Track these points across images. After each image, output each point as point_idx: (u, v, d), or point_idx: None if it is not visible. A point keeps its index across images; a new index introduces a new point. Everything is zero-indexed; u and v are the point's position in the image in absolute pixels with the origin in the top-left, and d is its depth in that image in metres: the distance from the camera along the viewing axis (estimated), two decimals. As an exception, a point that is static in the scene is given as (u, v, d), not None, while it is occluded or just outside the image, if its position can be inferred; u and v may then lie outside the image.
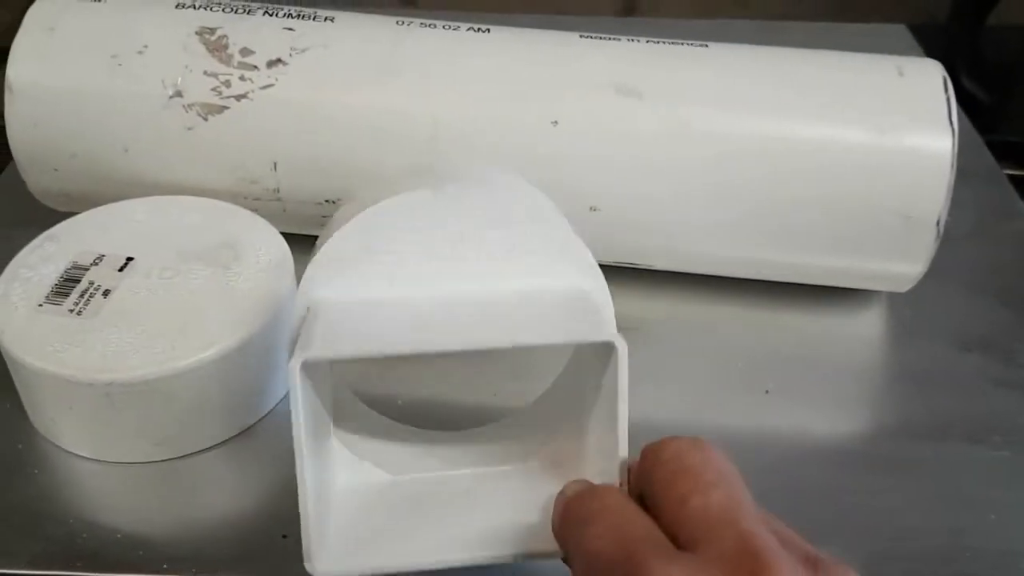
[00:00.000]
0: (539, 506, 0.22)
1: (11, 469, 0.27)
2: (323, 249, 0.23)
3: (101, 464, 0.27)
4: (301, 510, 0.21)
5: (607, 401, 0.21)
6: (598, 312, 0.22)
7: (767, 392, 0.29)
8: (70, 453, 0.27)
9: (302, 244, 0.30)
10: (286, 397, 0.29)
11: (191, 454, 0.27)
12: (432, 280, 0.23)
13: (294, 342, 0.23)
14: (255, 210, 0.31)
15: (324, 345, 0.21)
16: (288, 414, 0.28)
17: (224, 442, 0.27)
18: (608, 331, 0.21)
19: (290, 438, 0.28)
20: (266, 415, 0.28)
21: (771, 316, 0.32)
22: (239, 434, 0.28)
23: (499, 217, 0.22)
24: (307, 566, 0.21)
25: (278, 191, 0.31)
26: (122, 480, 0.26)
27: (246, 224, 0.30)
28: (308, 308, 0.22)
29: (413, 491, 0.24)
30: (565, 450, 0.23)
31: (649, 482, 0.19)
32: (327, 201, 0.31)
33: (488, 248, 0.22)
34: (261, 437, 0.28)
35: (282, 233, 0.30)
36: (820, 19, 0.48)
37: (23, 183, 0.33)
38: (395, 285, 0.22)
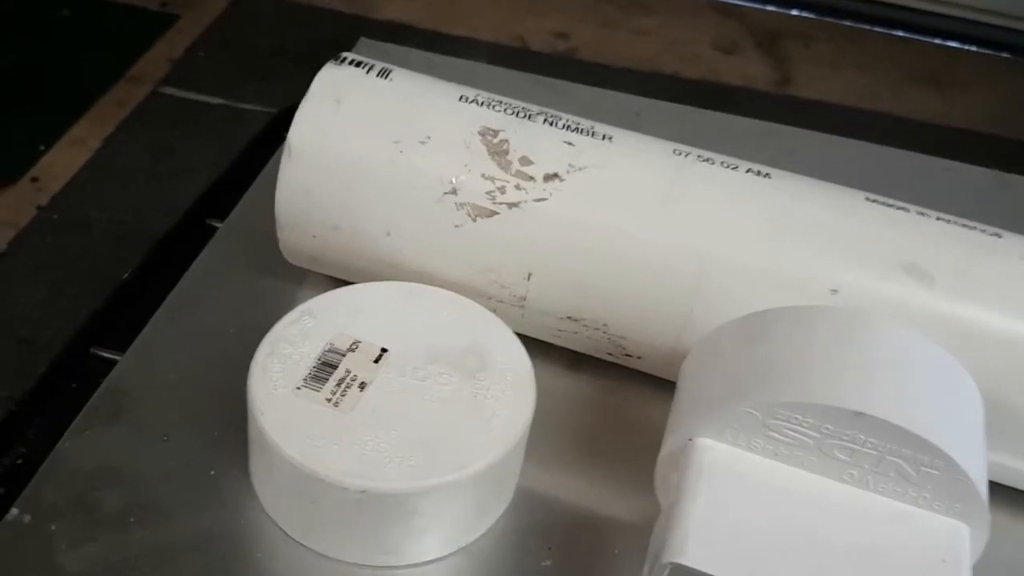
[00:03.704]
0: None
1: (233, 547, 0.27)
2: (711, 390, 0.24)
3: (325, 559, 0.26)
4: None
5: None
6: None
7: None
8: (295, 541, 0.27)
9: (529, 349, 0.30)
10: (500, 518, 0.28)
11: (414, 565, 0.26)
12: (815, 486, 0.23)
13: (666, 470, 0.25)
14: (493, 310, 0.30)
15: (702, 555, 0.21)
16: (503, 537, 0.28)
17: (446, 556, 0.27)
18: None
19: (506, 563, 0.27)
20: (482, 535, 0.28)
21: (1013, 524, 0.30)
22: (460, 550, 0.27)
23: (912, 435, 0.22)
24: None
25: (524, 299, 0.31)
26: (344, 580, 0.26)
27: (491, 330, 0.29)
28: (689, 440, 0.24)
29: None
30: None
31: None
32: (570, 318, 0.31)
33: (891, 465, 0.23)
34: (479, 558, 0.27)
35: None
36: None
37: (257, 222, 0.33)
38: (778, 475, 0.24)
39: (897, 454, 0.22)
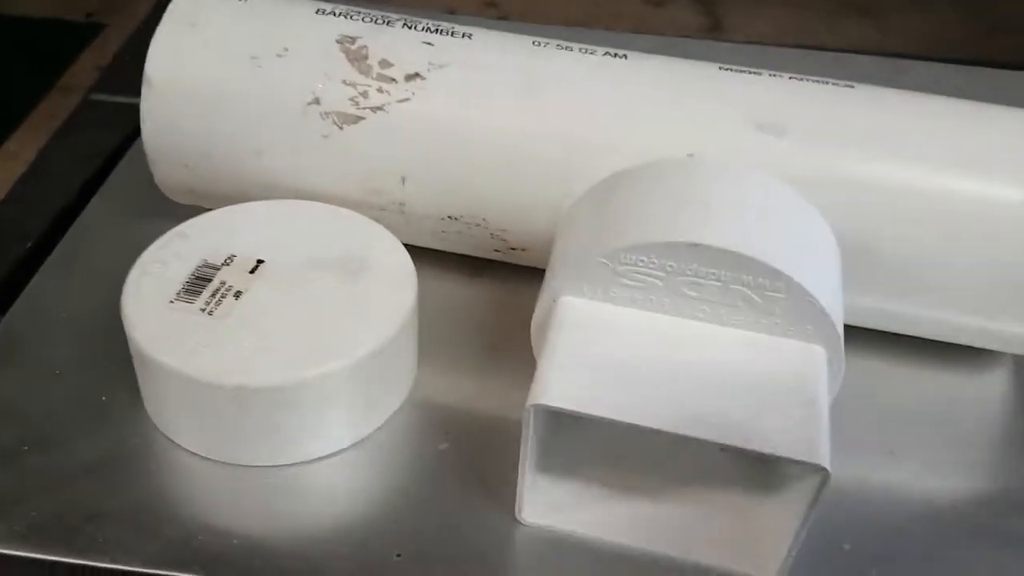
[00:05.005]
0: None
1: (128, 464, 0.27)
2: (572, 250, 0.24)
3: (218, 465, 0.27)
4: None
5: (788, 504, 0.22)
6: (814, 406, 0.22)
7: (891, 452, 0.28)
8: (188, 451, 0.27)
9: (418, 256, 0.30)
10: (399, 410, 0.29)
11: (308, 461, 0.27)
12: (672, 327, 0.24)
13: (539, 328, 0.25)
14: (376, 219, 0.31)
15: (563, 395, 0.22)
16: (398, 430, 0.29)
17: (340, 451, 0.27)
18: (822, 453, 0.21)
19: (403, 452, 0.28)
20: (380, 427, 0.28)
21: (890, 369, 0.31)
22: (353, 445, 0.28)
23: (758, 265, 0.23)
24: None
25: (403, 204, 0.31)
26: (239, 483, 0.26)
27: (372, 235, 0.30)
28: (554, 301, 0.25)
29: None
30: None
31: None
32: (450, 217, 0.31)
33: (737, 294, 0.23)
34: (375, 449, 0.28)
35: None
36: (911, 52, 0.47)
37: (142, 171, 0.33)
38: (641, 319, 0.24)
39: (739, 281, 0.23)
